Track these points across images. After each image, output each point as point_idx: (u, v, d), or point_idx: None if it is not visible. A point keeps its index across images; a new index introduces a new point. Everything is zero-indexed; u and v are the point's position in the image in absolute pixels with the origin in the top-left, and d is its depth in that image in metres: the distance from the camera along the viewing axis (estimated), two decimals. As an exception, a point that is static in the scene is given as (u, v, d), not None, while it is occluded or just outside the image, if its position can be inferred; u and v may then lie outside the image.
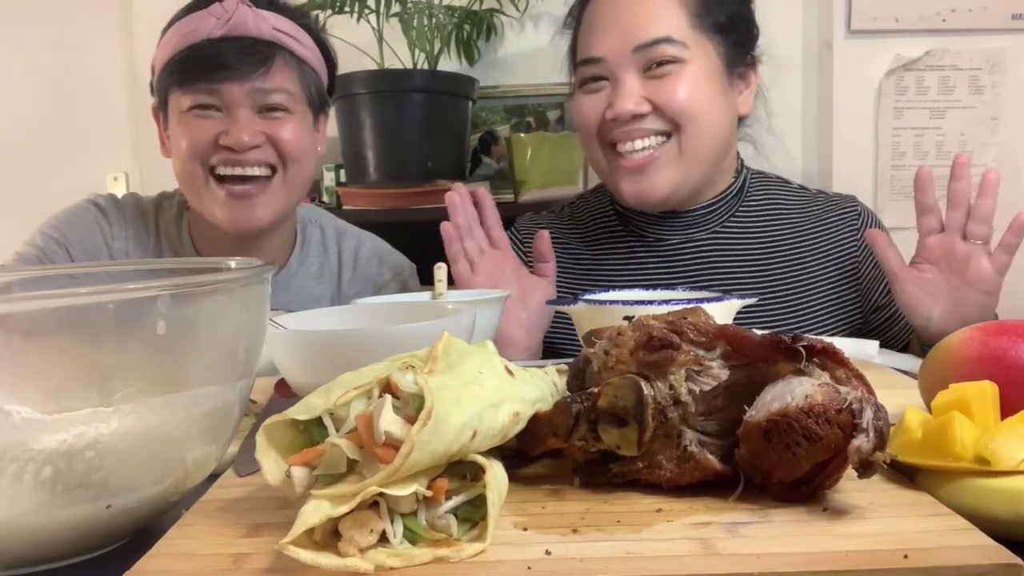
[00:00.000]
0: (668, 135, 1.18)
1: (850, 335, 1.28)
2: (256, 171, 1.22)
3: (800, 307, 1.26)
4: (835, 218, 1.31)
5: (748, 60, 1.26)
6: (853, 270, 1.28)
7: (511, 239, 1.32)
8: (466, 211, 1.20)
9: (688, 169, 1.20)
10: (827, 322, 1.27)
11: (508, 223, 1.44)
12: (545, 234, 1.21)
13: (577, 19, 1.28)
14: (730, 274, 1.27)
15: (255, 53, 1.19)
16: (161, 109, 1.27)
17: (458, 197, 1.19)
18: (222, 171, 1.21)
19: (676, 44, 1.17)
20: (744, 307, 0.86)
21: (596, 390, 0.54)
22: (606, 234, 1.34)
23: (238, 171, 1.21)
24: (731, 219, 1.29)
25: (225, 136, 1.19)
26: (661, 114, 1.17)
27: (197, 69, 1.19)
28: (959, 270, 1.06)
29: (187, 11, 1.22)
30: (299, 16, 1.27)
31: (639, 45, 1.17)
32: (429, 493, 0.46)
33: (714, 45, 1.20)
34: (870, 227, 1.30)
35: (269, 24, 1.20)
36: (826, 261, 1.28)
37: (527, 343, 1.18)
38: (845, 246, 1.29)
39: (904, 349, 1.27)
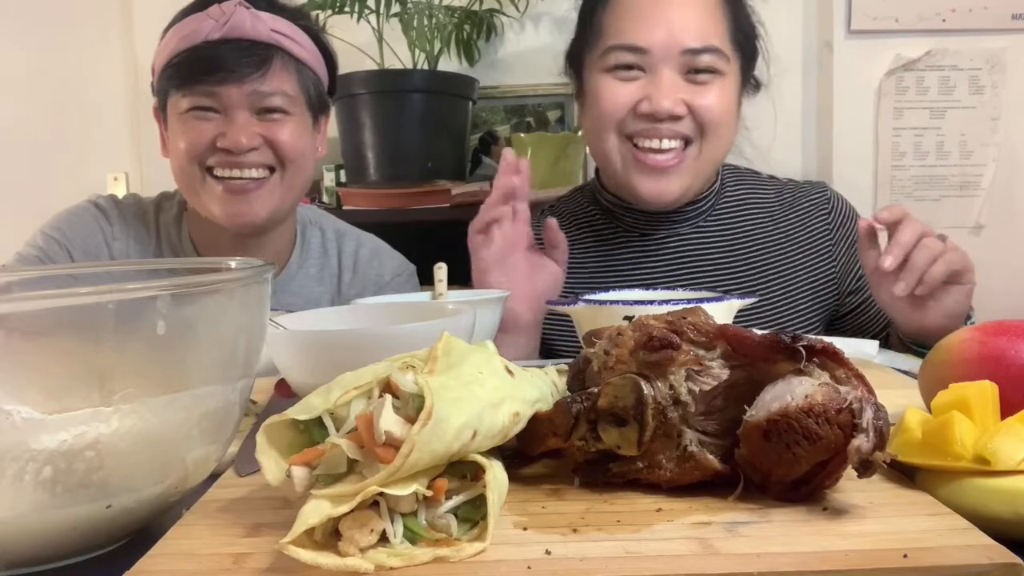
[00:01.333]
0: (689, 140, 1.21)
1: (827, 318, 1.34)
2: (253, 173, 1.22)
3: (779, 291, 1.30)
4: (806, 205, 1.35)
5: (753, 83, 1.30)
6: (827, 254, 1.32)
7: None
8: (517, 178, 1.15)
9: (699, 174, 1.24)
10: (804, 307, 1.30)
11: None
12: (552, 222, 1.19)
13: None
14: (712, 265, 1.30)
15: (253, 55, 1.19)
16: (161, 110, 1.27)
17: (514, 159, 1.14)
18: (219, 173, 1.22)
19: (721, 56, 1.20)
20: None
21: (596, 390, 0.54)
22: (590, 232, 1.36)
23: (236, 173, 1.21)
24: (712, 213, 1.33)
25: (223, 138, 1.19)
26: (694, 119, 1.19)
27: (195, 71, 1.19)
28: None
29: (186, 13, 1.22)
30: (298, 17, 1.27)
31: (691, 48, 1.18)
32: (429, 493, 0.46)
33: (739, 62, 1.24)
34: (840, 211, 1.35)
35: (267, 26, 1.20)
36: (801, 246, 1.32)
37: (528, 317, 1.16)
38: (818, 229, 1.33)
39: (883, 331, 1.31)
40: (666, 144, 1.19)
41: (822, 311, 1.32)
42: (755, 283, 1.29)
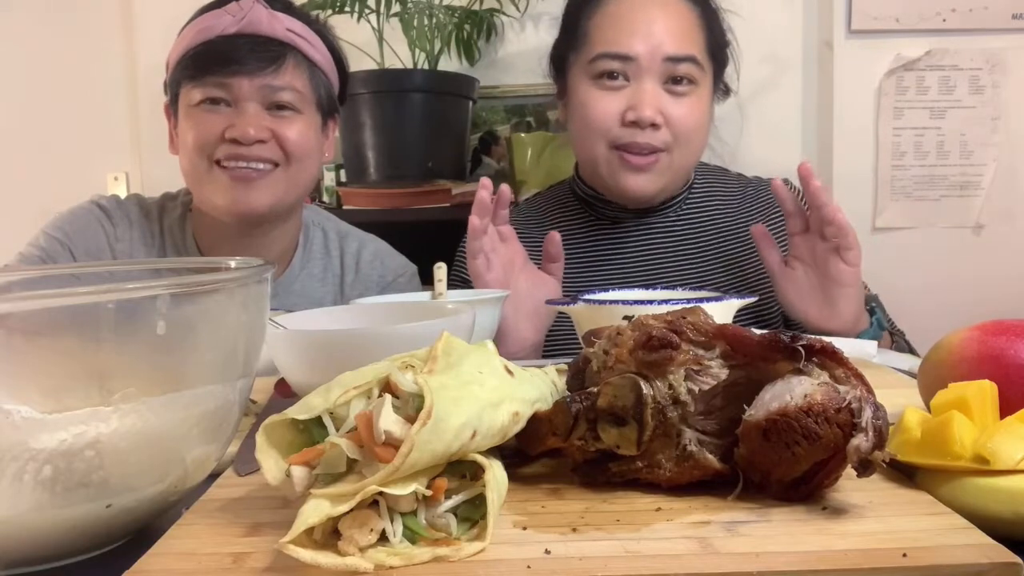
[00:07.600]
0: (664, 150, 1.27)
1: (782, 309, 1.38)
2: (259, 166, 1.23)
3: (739, 278, 1.36)
4: (766, 198, 1.42)
5: (723, 88, 1.37)
6: (783, 243, 1.37)
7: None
8: (491, 211, 1.18)
9: (673, 177, 1.32)
10: (762, 293, 1.34)
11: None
12: (555, 236, 1.22)
13: (588, 2, 1.31)
14: (679, 253, 1.38)
15: (267, 51, 1.22)
16: (172, 105, 1.28)
17: (488, 197, 1.16)
18: (226, 164, 1.22)
19: (698, 66, 1.26)
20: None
21: (595, 390, 0.54)
22: (566, 220, 1.42)
23: (242, 164, 1.22)
24: (682, 207, 1.40)
25: (231, 129, 1.21)
26: (670, 129, 1.25)
27: (209, 63, 1.21)
28: (822, 267, 1.14)
29: (205, 9, 1.25)
30: (313, 21, 1.31)
31: (672, 56, 1.24)
32: (429, 492, 0.46)
33: (712, 72, 1.31)
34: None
35: (283, 25, 1.23)
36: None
37: (533, 338, 1.19)
38: (775, 221, 1.38)
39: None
40: (643, 157, 1.27)
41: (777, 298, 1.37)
42: (718, 271, 1.36)
